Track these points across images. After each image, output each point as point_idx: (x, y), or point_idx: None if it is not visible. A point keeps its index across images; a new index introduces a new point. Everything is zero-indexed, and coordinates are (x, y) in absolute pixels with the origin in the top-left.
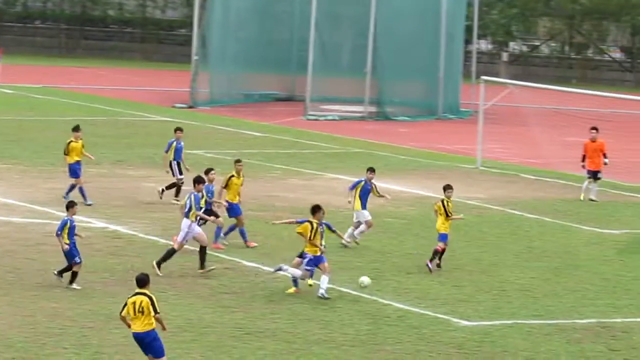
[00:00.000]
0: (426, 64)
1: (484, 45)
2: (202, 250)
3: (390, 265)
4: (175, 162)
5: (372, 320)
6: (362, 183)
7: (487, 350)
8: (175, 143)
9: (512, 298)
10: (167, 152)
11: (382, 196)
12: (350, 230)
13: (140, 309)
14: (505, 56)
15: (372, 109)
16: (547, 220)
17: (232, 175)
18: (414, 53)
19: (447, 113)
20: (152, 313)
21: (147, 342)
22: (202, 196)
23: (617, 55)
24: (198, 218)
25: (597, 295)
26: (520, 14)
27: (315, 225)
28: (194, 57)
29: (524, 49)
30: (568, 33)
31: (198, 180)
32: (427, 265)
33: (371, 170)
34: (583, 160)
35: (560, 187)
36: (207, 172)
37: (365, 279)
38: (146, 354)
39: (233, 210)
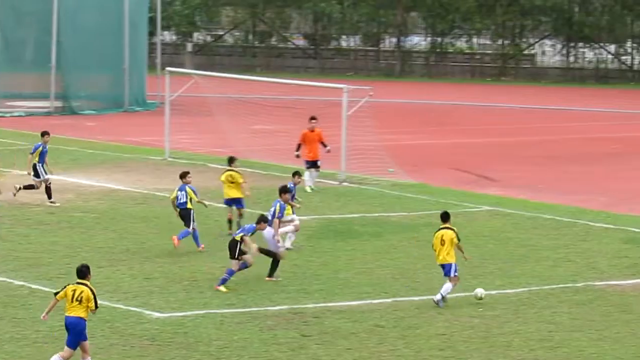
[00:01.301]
0: (111, 57)
1: (169, 36)
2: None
3: (81, 259)
4: (39, 164)
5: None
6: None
7: (181, 341)
8: (41, 147)
9: (204, 288)
10: (32, 154)
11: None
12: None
13: (79, 298)
14: (189, 47)
15: (58, 103)
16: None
17: None
18: (98, 46)
19: (134, 105)
20: (92, 307)
21: (78, 330)
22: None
23: (301, 42)
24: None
25: (289, 282)
26: (203, 4)
27: None
28: None
29: (209, 39)
30: (251, 22)
31: (284, 190)
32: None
33: (298, 173)
34: (297, 150)
35: (248, 175)
36: (183, 175)
37: (480, 291)
38: (68, 342)
39: None
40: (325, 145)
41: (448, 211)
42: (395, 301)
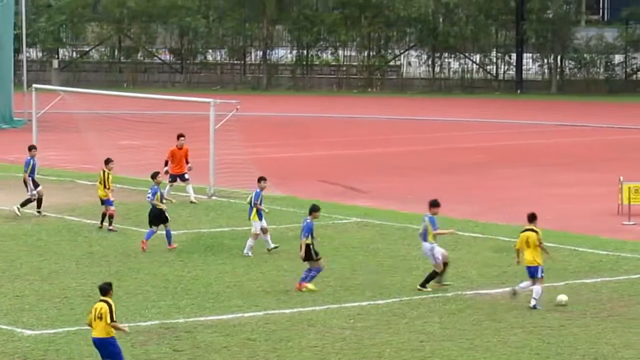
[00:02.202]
0: None
1: (34, 53)
2: (444, 266)
3: None
4: (29, 178)
5: None
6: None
7: (53, 358)
8: (32, 161)
9: (75, 304)
10: (26, 171)
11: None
12: (249, 241)
13: (99, 315)
14: (55, 63)
15: None
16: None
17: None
18: None
19: (1, 123)
20: (108, 321)
21: (105, 347)
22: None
23: (167, 57)
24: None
25: (160, 297)
26: (68, 21)
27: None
28: None
29: (75, 55)
30: (117, 37)
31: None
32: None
33: (264, 179)
34: (166, 165)
35: (118, 191)
36: (154, 175)
37: (562, 297)
38: (102, 356)
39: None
40: (187, 162)
41: (535, 212)
42: (266, 314)
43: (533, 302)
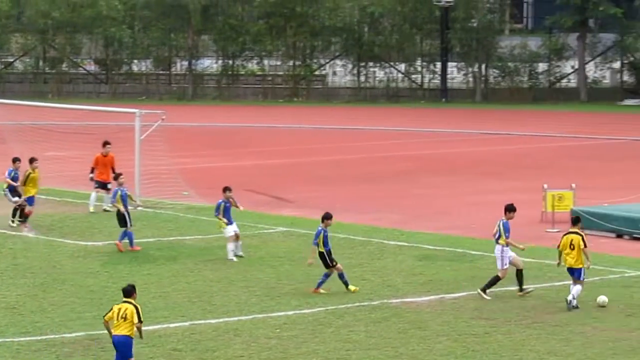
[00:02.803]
0: None
1: None
2: (519, 273)
3: None
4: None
5: None
6: (222, 204)
7: None
8: (13, 172)
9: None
10: (20, 182)
11: (238, 207)
12: (229, 245)
13: (124, 315)
14: None
15: None
16: (31, 236)
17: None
18: None
19: None
20: (135, 320)
21: (125, 348)
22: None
23: (92, 67)
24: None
25: (84, 308)
26: None
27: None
28: None
29: None
30: (42, 48)
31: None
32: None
33: (228, 189)
34: (92, 172)
35: (43, 202)
36: (116, 177)
37: (602, 298)
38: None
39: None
40: (114, 171)
41: (579, 216)
42: (192, 324)
43: (571, 299)
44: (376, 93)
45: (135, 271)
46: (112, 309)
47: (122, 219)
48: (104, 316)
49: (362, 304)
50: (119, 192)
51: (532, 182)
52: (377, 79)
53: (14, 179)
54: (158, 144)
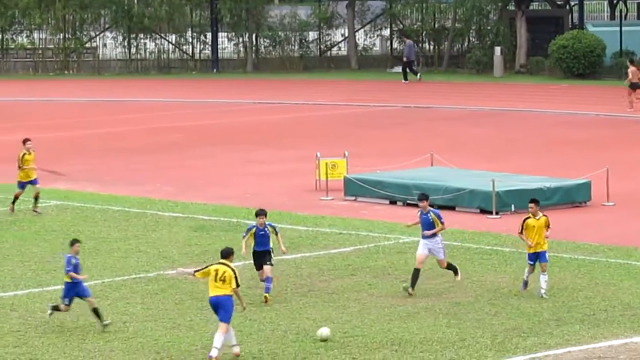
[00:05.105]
0: None
1: None
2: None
3: None
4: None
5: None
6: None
7: None
8: None
9: None
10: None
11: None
12: None
13: (222, 278)
14: None
15: None
16: None
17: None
18: None
19: None
20: (234, 285)
21: (224, 304)
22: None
23: None
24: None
25: None
26: None
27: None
28: None
29: None
30: None
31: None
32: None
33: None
34: None
35: None
36: None
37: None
38: (222, 318)
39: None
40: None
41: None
42: None
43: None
44: (147, 65)
45: None
46: (208, 267)
47: None
48: (195, 271)
49: (139, 276)
50: None
51: (304, 151)
52: (148, 50)
53: None
54: None
